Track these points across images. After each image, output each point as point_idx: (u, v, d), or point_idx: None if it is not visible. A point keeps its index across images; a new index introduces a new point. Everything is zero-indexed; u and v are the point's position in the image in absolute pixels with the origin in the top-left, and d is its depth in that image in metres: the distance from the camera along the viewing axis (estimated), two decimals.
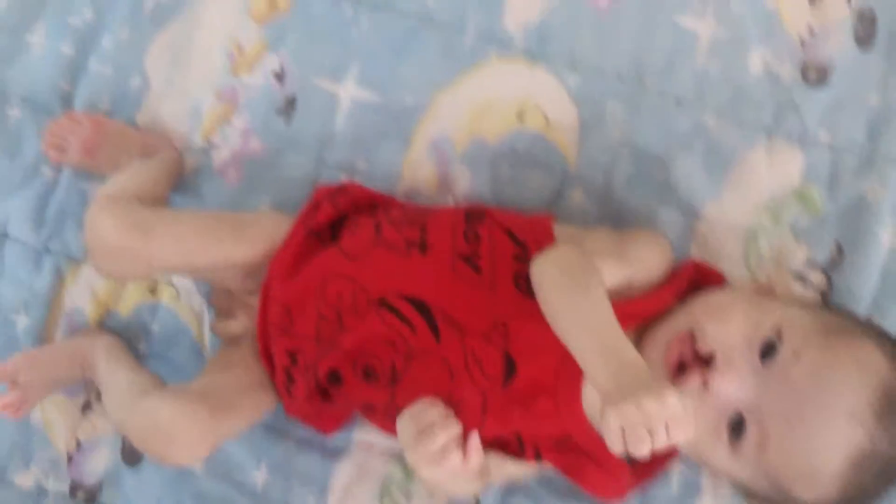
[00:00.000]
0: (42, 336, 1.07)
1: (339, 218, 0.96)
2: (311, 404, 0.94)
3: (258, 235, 0.93)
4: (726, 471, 0.85)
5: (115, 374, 0.98)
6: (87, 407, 1.06)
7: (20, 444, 1.06)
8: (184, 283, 1.06)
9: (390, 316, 0.87)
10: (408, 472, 1.02)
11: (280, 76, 1.07)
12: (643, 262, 0.88)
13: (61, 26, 1.11)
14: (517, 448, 0.89)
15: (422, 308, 0.86)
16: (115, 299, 1.07)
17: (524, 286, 0.86)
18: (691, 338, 0.82)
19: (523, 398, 0.85)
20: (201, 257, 0.90)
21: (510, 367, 0.86)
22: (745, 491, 0.87)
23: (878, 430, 0.78)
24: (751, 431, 0.79)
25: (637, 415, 0.67)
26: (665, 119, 1.02)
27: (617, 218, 1.02)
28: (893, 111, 1.00)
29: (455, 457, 0.74)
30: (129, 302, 1.07)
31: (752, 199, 1.01)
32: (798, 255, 1.00)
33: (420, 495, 1.02)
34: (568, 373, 0.82)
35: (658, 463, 0.94)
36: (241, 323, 0.99)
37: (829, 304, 0.96)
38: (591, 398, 0.86)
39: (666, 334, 0.84)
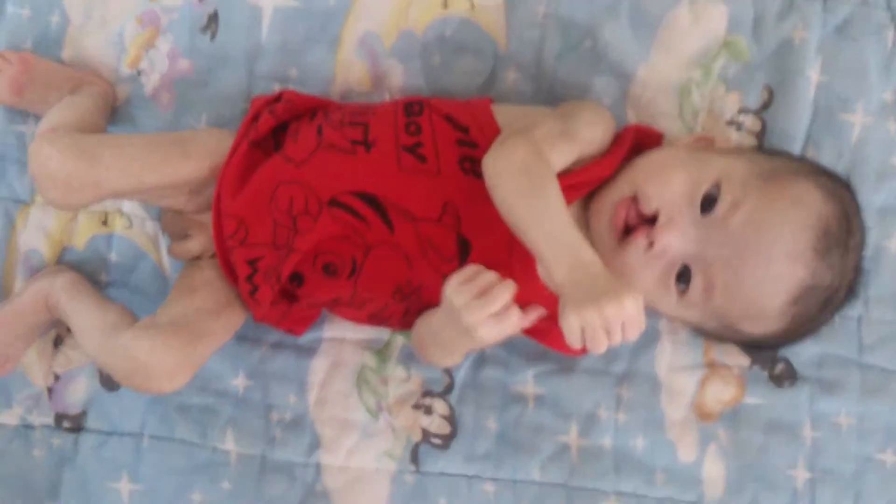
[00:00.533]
0: (1, 281, 1.07)
1: (280, 126, 0.97)
2: (277, 308, 0.96)
3: (202, 151, 0.94)
4: (677, 316, 0.91)
5: (80, 313, 0.99)
6: (59, 341, 1.08)
7: None
8: (135, 210, 1.07)
9: (343, 213, 0.89)
10: (381, 358, 1.06)
11: None
12: (589, 140, 0.91)
13: None
14: None
15: (373, 202, 0.89)
16: (68, 235, 1.07)
17: (469, 168, 0.89)
18: (634, 200, 0.85)
19: None
20: (149, 177, 0.90)
21: (465, 247, 0.89)
22: (697, 329, 0.92)
23: (819, 264, 0.82)
24: (696, 280, 0.84)
25: (596, 317, 0.72)
26: None
27: (552, 92, 1.04)
28: None
29: (515, 316, 0.78)
30: (83, 236, 1.07)
31: (681, 55, 1.03)
32: (731, 103, 1.03)
33: (394, 378, 1.06)
34: (520, 246, 0.85)
35: None
36: (198, 242, 1.00)
37: (766, 149, 0.99)
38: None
39: (611, 200, 0.88)
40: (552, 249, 0.77)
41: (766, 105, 1.03)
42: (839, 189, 0.88)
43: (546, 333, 0.95)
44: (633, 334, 0.74)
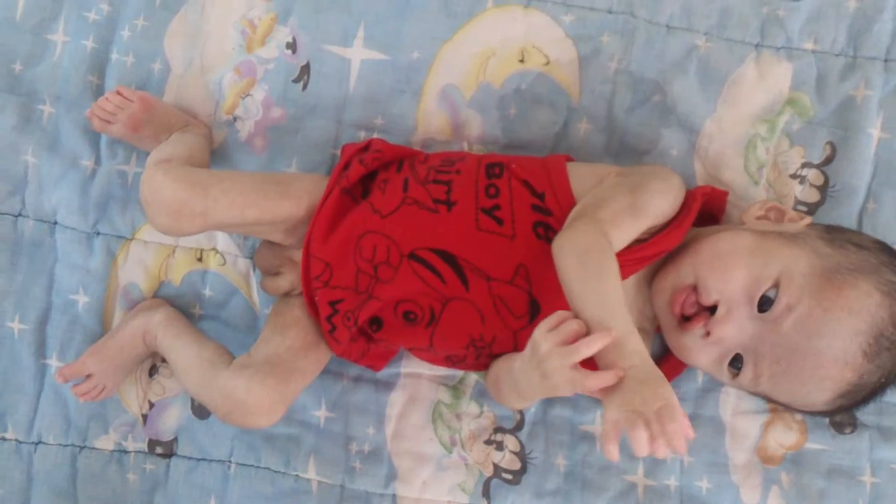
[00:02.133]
0: (102, 312, 1.13)
1: (369, 174, 1.01)
2: (357, 346, 1.01)
3: (300, 192, 0.99)
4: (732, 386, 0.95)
5: (178, 350, 1.04)
6: (153, 371, 1.13)
7: (97, 413, 1.13)
8: (228, 248, 1.12)
9: (421, 268, 0.94)
10: (456, 394, 1.10)
11: (292, 46, 1.12)
12: (657, 213, 0.92)
13: (80, 22, 1.15)
14: None
15: (450, 260, 0.93)
16: (165, 270, 1.13)
17: (543, 233, 0.93)
18: (695, 289, 0.89)
19: None
20: (251, 213, 0.96)
21: (535, 307, 0.93)
22: None
23: (868, 366, 0.85)
24: (747, 369, 0.88)
25: (639, 403, 0.71)
26: (658, 46, 1.07)
27: (623, 143, 1.08)
28: (871, 13, 1.06)
29: (595, 379, 0.74)
30: (180, 272, 1.13)
31: (746, 111, 1.07)
32: (795, 158, 1.06)
33: (468, 414, 1.10)
34: None
35: (681, 365, 1.02)
36: (288, 279, 1.05)
37: (832, 230, 0.95)
38: None
39: (672, 283, 0.91)
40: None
41: (828, 160, 1.06)
42: None
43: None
44: (677, 442, 0.70)
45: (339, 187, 0.99)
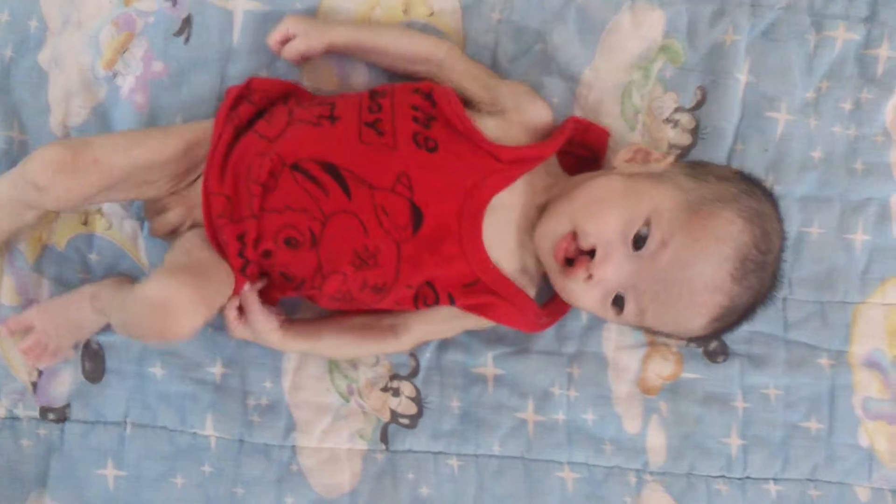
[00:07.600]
0: None
1: (258, 112, 1.03)
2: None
3: (182, 129, 1.02)
4: (619, 325, 1.01)
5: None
6: None
7: None
8: (114, 210, 1.10)
9: (303, 178, 0.95)
10: None
11: None
12: (505, 93, 1.02)
13: None
14: (433, 298, 1.00)
15: (332, 171, 0.95)
16: (48, 235, 1.11)
17: (422, 142, 0.96)
18: (574, 237, 0.94)
19: (431, 243, 0.96)
20: (139, 152, 0.98)
21: (417, 216, 0.95)
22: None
23: (737, 289, 0.92)
24: (630, 306, 0.94)
25: None
26: None
27: None
28: None
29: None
30: (64, 236, 1.11)
31: (622, 58, 1.10)
32: (668, 103, 1.10)
33: (364, 364, 1.12)
34: (469, 216, 0.95)
35: (566, 305, 1.07)
36: (175, 212, 1.05)
37: (693, 165, 1.01)
38: (490, 239, 0.97)
39: (552, 232, 0.95)
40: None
41: (699, 104, 1.10)
42: (760, 206, 0.94)
43: (491, 309, 1.01)
44: None
45: (232, 126, 1.00)
